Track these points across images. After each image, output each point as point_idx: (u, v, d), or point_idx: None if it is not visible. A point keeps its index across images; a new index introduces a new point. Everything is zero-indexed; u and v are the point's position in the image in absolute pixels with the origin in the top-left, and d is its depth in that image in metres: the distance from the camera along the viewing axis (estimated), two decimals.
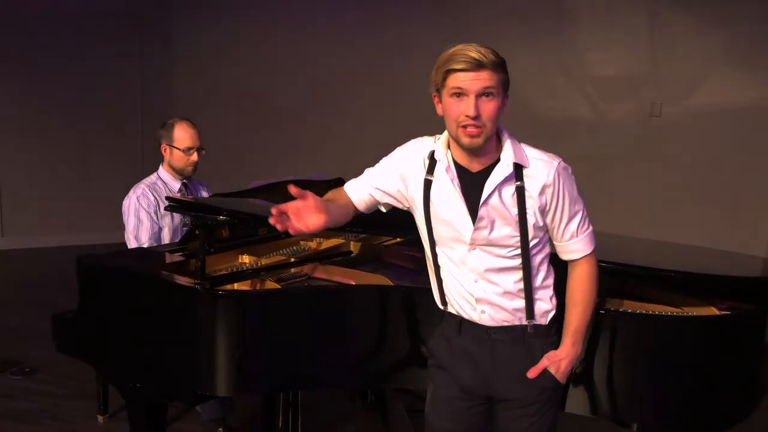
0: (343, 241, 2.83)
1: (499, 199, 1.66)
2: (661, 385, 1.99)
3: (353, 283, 2.35)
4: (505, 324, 1.74)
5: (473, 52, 1.56)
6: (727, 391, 2.04)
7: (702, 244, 3.01)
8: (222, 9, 7.08)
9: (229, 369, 2.11)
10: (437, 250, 1.77)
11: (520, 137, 1.75)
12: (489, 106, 1.58)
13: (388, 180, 1.79)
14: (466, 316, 1.77)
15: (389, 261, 2.68)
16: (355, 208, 1.83)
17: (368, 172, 1.84)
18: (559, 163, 1.68)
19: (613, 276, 2.23)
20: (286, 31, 6.74)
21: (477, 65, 1.55)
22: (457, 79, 1.57)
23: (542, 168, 1.66)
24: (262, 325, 2.14)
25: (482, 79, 1.56)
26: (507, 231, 1.67)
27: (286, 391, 2.63)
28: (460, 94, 1.58)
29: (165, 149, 2.99)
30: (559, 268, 1.79)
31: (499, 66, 1.58)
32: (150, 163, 6.89)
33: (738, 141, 4.86)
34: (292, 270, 2.52)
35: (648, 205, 5.13)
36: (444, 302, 1.82)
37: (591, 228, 1.76)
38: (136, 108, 7.41)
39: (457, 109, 1.59)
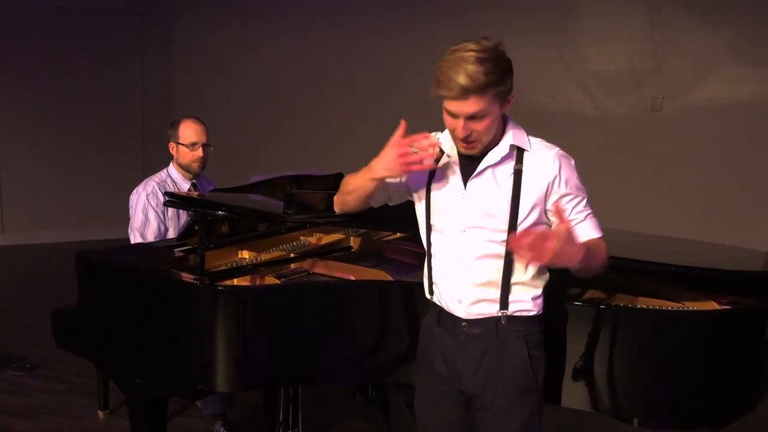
0: (343, 236, 2.82)
1: (492, 178, 1.70)
2: (661, 380, 1.98)
3: (353, 279, 2.34)
4: (479, 317, 1.75)
5: (461, 76, 1.55)
6: (728, 386, 2.03)
7: (703, 239, 3.00)
8: (223, 6, 7.07)
9: (228, 364, 2.11)
10: (432, 236, 1.81)
11: None
12: (480, 125, 1.63)
13: None
14: (444, 307, 1.80)
15: (389, 256, 2.67)
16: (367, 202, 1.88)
17: None
18: (558, 150, 1.72)
19: (614, 270, 2.22)
20: (287, 28, 6.73)
21: (464, 92, 1.57)
22: (448, 104, 1.63)
23: (543, 152, 1.71)
24: (262, 321, 2.13)
25: (469, 105, 1.59)
26: (497, 211, 1.69)
27: (286, 386, 2.63)
28: (452, 114, 1.64)
29: (172, 147, 2.99)
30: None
31: (489, 86, 1.58)
32: (150, 159, 6.91)
33: (739, 136, 4.85)
34: (292, 265, 2.51)
35: (649, 200, 5.12)
36: (430, 291, 1.86)
37: (595, 218, 1.75)
38: (136, 104, 7.39)
39: (452, 125, 1.67)
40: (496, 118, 1.65)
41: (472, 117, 1.61)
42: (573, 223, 1.68)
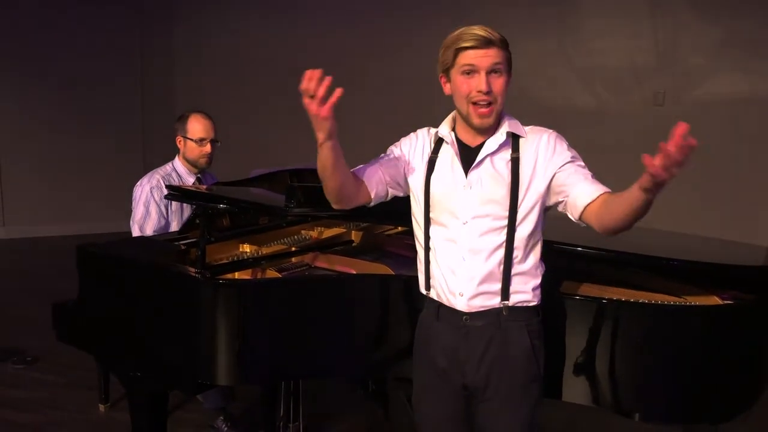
0: (345, 230, 2.82)
1: (491, 167, 1.73)
2: (662, 374, 1.98)
3: (354, 273, 2.34)
4: (481, 309, 1.76)
5: (480, 30, 1.65)
6: (729, 381, 2.03)
7: (704, 234, 3.00)
8: (223, 2, 7.05)
9: (229, 358, 2.11)
10: (431, 230, 1.81)
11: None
12: (498, 82, 1.68)
13: (396, 163, 1.83)
14: (444, 301, 1.80)
15: (390, 250, 2.67)
16: (367, 192, 1.80)
17: (374, 160, 1.86)
18: (551, 131, 1.78)
19: (615, 265, 2.23)
20: (287, 25, 6.71)
21: (486, 42, 1.64)
22: (468, 57, 1.66)
23: (537, 135, 1.76)
24: (263, 314, 2.13)
25: (491, 55, 1.65)
26: (499, 198, 1.71)
27: (287, 380, 2.63)
28: (470, 71, 1.67)
29: (180, 141, 2.98)
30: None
31: (504, 43, 1.68)
32: (151, 153, 6.91)
33: (741, 130, 4.85)
34: (293, 259, 2.51)
35: None
36: (427, 287, 1.85)
37: None
38: (137, 98, 7.40)
39: (468, 86, 1.68)
40: (507, 85, 1.69)
41: (491, 71, 1.65)
42: (585, 179, 1.72)
